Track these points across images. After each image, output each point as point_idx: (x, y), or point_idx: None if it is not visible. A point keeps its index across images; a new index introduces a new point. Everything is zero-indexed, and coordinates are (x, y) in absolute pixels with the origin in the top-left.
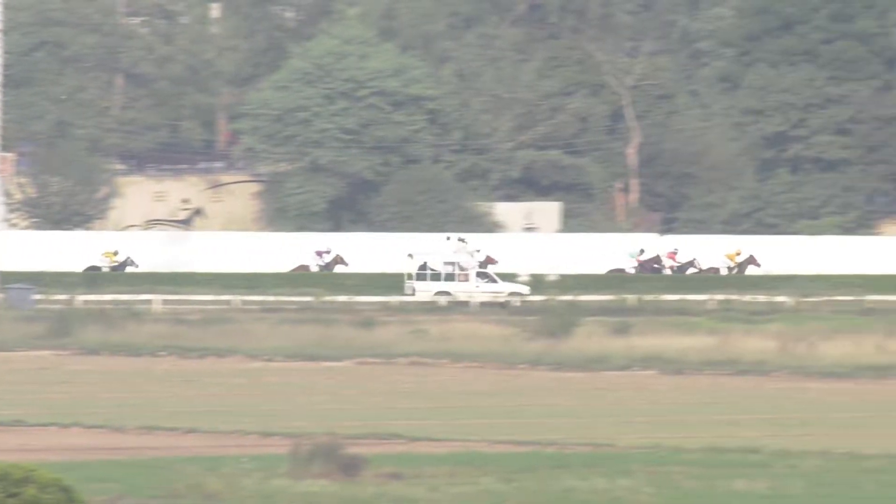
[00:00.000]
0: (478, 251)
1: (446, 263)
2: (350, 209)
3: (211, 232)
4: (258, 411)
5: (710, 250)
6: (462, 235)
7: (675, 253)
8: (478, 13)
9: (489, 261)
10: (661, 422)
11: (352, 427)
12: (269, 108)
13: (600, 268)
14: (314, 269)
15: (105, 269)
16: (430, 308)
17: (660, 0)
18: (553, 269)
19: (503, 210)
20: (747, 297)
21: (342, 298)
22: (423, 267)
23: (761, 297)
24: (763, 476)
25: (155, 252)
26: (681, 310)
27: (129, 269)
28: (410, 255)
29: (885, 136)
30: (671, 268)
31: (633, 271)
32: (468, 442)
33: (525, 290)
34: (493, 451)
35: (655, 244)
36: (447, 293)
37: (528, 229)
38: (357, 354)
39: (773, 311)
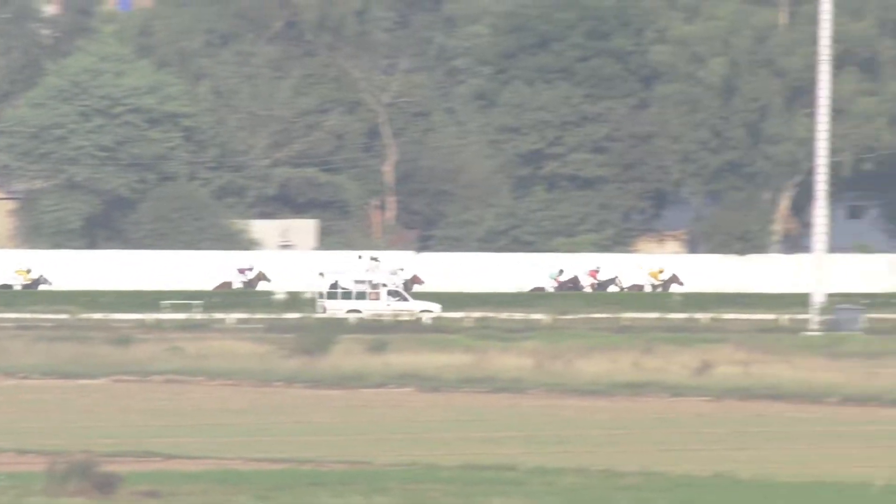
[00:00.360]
0: (401, 270)
1: (357, 282)
2: (106, 227)
3: None
4: (13, 429)
5: (470, 267)
6: (375, 254)
7: (596, 271)
8: (234, 30)
9: (415, 280)
10: (418, 439)
11: (108, 445)
12: (25, 126)
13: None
14: (237, 285)
15: None
16: (186, 325)
17: (416, 18)
18: (310, 286)
19: (259, 227)
20: (504, 315)
21: (97, 316)
22: (335, 285)
23: (518, 315)
24: (519, 493)
25: None
26: (438, 327)
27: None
28: (321, 274)
29: (640, 154)
30: (592, 286)
31: (552, 290)
32: (224, 460)
33: (436, 307)
34: (248, 468)
35: (413, 261)
36: (358, 311)
37: (285, 247)
38: (113, 372)
39: (529, 328)
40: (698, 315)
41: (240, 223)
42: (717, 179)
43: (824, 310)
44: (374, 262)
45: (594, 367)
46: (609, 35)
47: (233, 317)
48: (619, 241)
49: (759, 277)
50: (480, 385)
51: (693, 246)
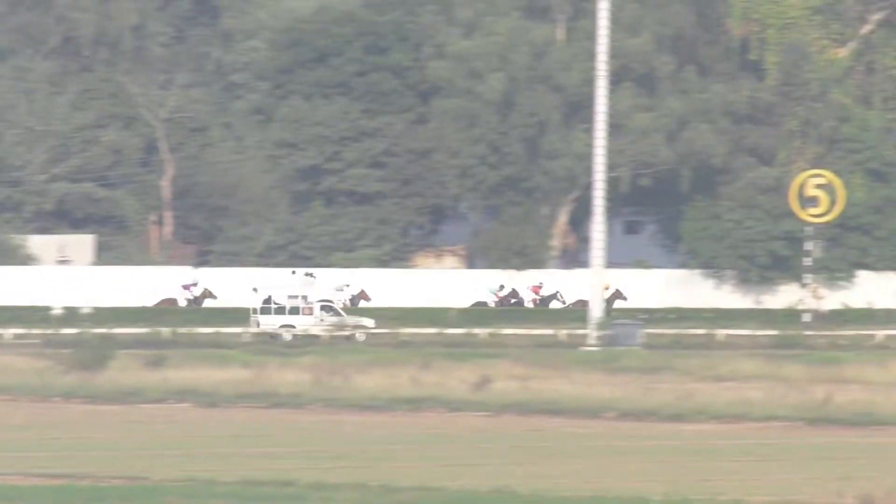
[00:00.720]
0: (347, 286)
1: (291, 297)
2: None
3: None
4: None
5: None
6: (310, 270)
7: (539, 287)
8: (11, 45)
9: (363, 296)
10: (196, 455)
11: None
12: None
13: (135, 301)
14: (182, 303)
15: None
16: None
17: (193, 33)
18: (87, 301)
19: (36, 243)
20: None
21: None
22: (268, 301)
23: (298, 330)
24: None
25: None
26: (216, 343)
27: None
28: (255, 289)
29: (419, 169)
30: (534, 301)
31: (493, 305)
32: (2, 476)
33: (370, 323)
34: (26, 484)
35: (192, 277)
36: (291, 326)
37: (62, 262)
38: None
39: (307, 343)
40: (476, 330)
41: (17, 238)
42: (496, 194)
43: (602, 325)
44: (308, 277)
45: (373, 382)
46: (387, 50)
47: (10, 332)
48: (398, 257)
49: (200, 290)
50: (259, 400)
51: (471, 261)
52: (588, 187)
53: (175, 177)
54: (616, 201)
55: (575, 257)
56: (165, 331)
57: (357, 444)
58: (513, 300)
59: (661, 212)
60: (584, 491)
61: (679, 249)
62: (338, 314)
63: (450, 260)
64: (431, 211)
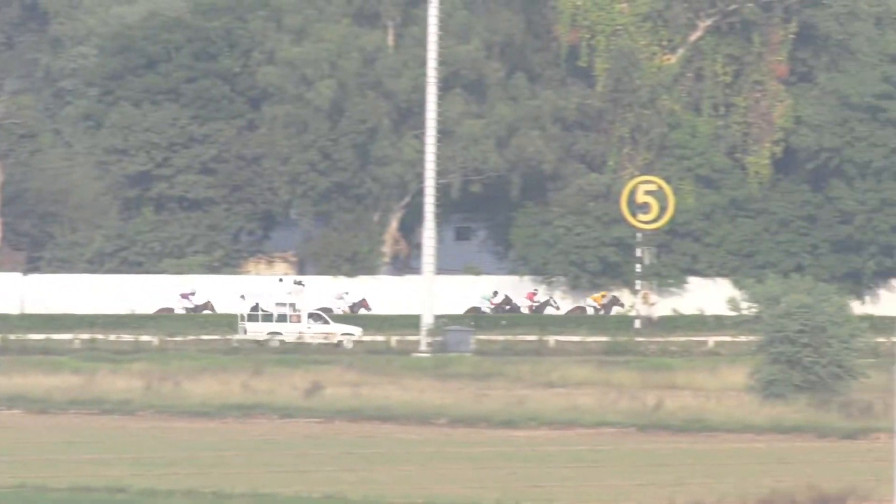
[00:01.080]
0: (347, 293)
1: (278, 304)
2: None
3: None
4: None
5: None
6: (299, 278)
7: (534, 293)
8: None
9: (363, 304)
10: (27, 461)
11: None
12: None
13: None
14: (180, 311)
15: None
16: None
17: (22, 39)
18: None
19: None
20: (112, 337)
21: None
22: (255, 308)
23: (127, 337)
24: None
25: None
26: (46, 349)
27: None
28: (243, 297)
29: (249, 175)
30: (529, 308)
31: (488, 311)
32: None
33: (357, 331)
34: None
35: (20, 284)
36: (279, 334)
37: None
38: None
39: (138, 350)
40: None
41: None
42: (326, 201)
43: (434, 331)
44: (297, 286)
45: (204, 388)
46: (216, 56)
47: None
48: (229, 263)
49: (369, 299)
50: (89, 407)
51: (302, 267)
52: (419, 194)
53: (4, 183)
54: (447, 208)
55: (406, 264)
56: None
57: (188, 450)
58: (507, 307)
59: (491, 218)
60: (415, 497)
61: (510, 256)
62: (326, 322)
63: (281, 266)
64: (262, 217)
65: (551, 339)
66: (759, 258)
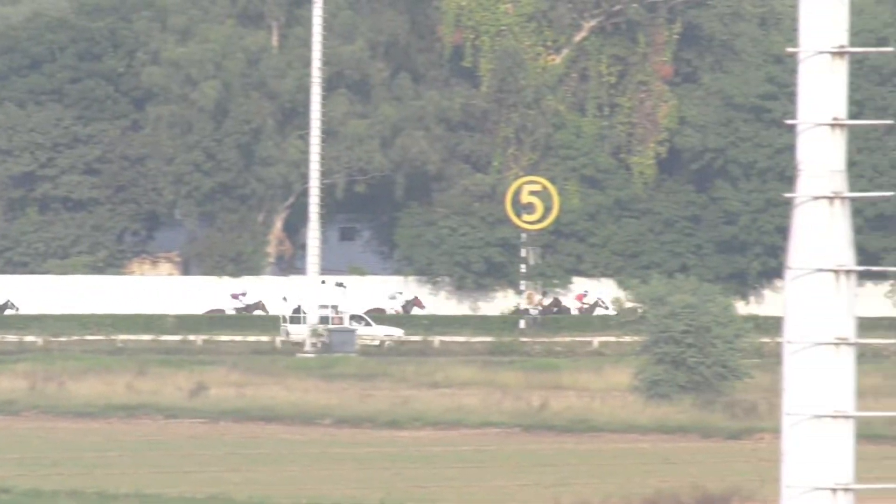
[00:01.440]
0: (400, 293)
1: (321, 307)
2: None
3: None
4: None
5: None
6: (340, 280)
7: (583, 295)
8: None
9: (416, 303)
10: None
11: None
12: None
13: None
14: (230, 311)
15: None
16: None
17: None
18: None
19: None
20: None
21: None
22: (298, 310)
23: (11, 337)
24: None
25: None
26: None
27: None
28: (285, 299)
29: (133, 176)
30: (580, 309)
31: (535, 314)
32: None
33: (399, 332)
34: None
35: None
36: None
37: None
38: None
39: (22, 350)
40: (192, 337)
41: None
42: (211, 201)
43: (317, 332)
44: (339, 287)
45: (88, 389)
46: (101, 56)
47: None
48: (113, 263)
49: (253, 299)
50: None
51: (186, 268)
52: (303, 194)
53: None
54: (331, 208)
55: (291, 264)
56: None
57: (72, 451)
58: (555, 309)
59: (376, 218)
60: (300, 498)
61: (394, 256)
62: (367, 324)
63: (165, 266)
64: (146, 217)
65: (436, 340)
66: (644, 258)
